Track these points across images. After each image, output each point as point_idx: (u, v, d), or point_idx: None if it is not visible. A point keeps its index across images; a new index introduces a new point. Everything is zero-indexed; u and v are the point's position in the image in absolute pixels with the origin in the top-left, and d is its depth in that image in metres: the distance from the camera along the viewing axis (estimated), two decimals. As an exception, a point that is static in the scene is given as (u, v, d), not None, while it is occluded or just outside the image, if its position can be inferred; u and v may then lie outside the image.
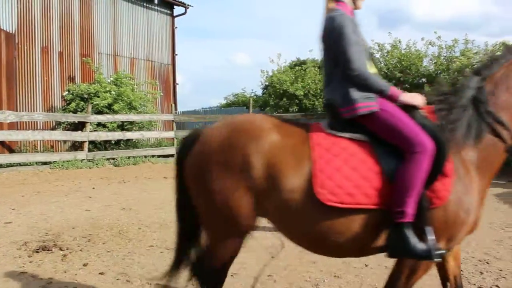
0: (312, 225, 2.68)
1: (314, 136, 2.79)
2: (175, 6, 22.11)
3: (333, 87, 2.93)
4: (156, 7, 21.17)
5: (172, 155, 17.13)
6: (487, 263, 4.97)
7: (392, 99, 2.86)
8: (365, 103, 2.79)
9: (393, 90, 2.88)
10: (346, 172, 2.64)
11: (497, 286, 4.28)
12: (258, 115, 3.10)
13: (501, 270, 4.71)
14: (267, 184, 2.67)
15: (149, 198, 9.30)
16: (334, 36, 2.86)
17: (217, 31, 66.76)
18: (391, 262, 4.87)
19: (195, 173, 2.83)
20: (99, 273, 4.68)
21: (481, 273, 4.64)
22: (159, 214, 7.68)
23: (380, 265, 4.86)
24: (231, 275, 4.60)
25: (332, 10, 2.96)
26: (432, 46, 15.96)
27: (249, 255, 5.25)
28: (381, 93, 2.85)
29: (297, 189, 2.64)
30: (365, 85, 2.81)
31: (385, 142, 2.74)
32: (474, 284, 4.32)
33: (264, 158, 2.67)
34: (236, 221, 2.81)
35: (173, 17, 22.25)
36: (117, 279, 4.52)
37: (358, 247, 2.73)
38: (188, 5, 22.00)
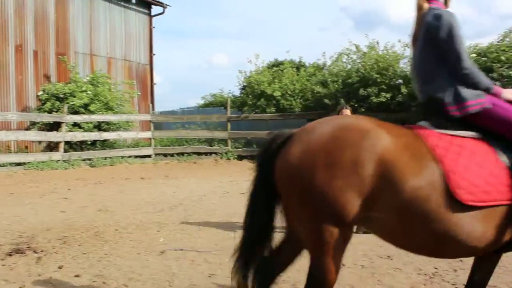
0: (442, 226, 2.57)
1: (426, 136, 2.72)
2: (153, 6, 21.95)
3: (438, 85, 2.91)
4: (133, 6, 21.00)
5: (149, 156, 17.03)
6: (461, 260, 5.04)
7: (496, 95, 2.88)
8: (477, 100, 2.81)
9: (496, 87, 2.91)
10: (475, 170, 2.59)
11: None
12: (355, 116, 3.02)
13: (474, 268, 4.79)
14: (380, 185, 2.53)
15: (126, 199, 9.21)
16: (443, 34, 2.86)
17: (195, 32, 66.81)
18: (367, 262, 4.93)
19: (293, 175, 2.62)
20: (75, 276, 4.61)
21: (455, 270, 4.71)
22: (136, 215, 7.62)
23: (356, 264, 4.90)
24: (209, 276, 4.59)
25: (429, 8, 2.98)
26: (409, 48, 16.13)
27: (226, 256, 5.24)
28: (487, 90, 2.87)
29: (423, 190, 2.53)
30: (474, 83, 2.84)
31: (499, 137, 2.75)
32: (448, 282, 4.38)
33: (377, 158, 2.54)
34: (343, 224, 2.62)
35: (150, 16, 22.08)
36: (93, 282, 4.46)
37: (486, 245, 2.67)
38: (166, 4, 21.87)
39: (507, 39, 13.76)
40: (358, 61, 16.76)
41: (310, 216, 2.62)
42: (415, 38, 3.11)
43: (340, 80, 16.57)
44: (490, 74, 13.11)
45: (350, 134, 2.60)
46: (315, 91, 17.42)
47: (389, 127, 2.73)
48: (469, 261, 4.91)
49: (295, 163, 2.63)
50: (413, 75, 3.23)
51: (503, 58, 12.82)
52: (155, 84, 22.42)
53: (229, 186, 11.27)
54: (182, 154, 17.28)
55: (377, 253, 5.30)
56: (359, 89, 15.62)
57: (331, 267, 2.69)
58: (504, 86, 12.16)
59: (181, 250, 5.51)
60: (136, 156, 16.66)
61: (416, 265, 4.87)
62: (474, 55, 13.45)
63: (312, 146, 2.62)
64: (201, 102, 26.32)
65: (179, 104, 59.58)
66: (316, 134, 2.69)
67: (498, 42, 13.86)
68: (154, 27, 22.18)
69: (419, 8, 3.05)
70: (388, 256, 5.17)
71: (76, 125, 15.57)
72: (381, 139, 2.59)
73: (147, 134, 17.90)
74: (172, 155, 17.30)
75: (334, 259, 2.67)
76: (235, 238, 6.06)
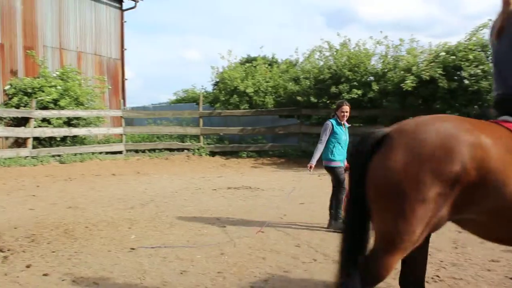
0: None
1: None
2: (124, 0, 21.63)
3: None
4: (104, 0, 20.65)
5: (120, 152, 16.83)
6: (429, 254, 5.13)
7: None
8: None
9: None
10: None
11: (437, 276, 4.44)
12: (448, 115, 2.93)
13: (441, 261, 4.90)
14: (484, 191, 2.52)
15: (97, 196, 9.09)
16: None
17: (168, 27, 66.20)
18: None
19: (396, 181, 2.56)
20: (43, 275, 4.53)
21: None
22: (107, 212, 7.53)
23: (328, 259, 4.95)
24: (180, 273, 4.57)
25: None
26: (380, 45, 16.35)
27: (198, 252, 5.24)
28: None
29: None
30: None
31: None
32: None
33: (482, 166, 2.51)
34: (434, 228, 2.68)
35: (122, 10, 21.75)
36: (63, 280, 4.39)
37: None
38: (137, -2, 21.56)
39: (474, 38, 14.06)
40: (330, 58, 16.88)
41: (408, 220, 2.57)
42: (500, 33, 3.08)
43: (312, 77, 16.67)
44: (458, 72, 13.41)
45: (456, 142, 2.56)
46: (287, 88, 17.49)
47: (485, 128, 2.68)
48: (437, 255, 5.02)
49: (398, 170, 2.58)
50: (495, 69, 3.22)
51: (471, 56, 13.11)
52: (126, 79, 22.13)
53: (201, 182, 11.24)
54: (154, 150, 17.14)
55: (348, 248, 5.35)
56: (331, 86, 15.74)
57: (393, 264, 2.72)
58: (472, 84, 12.47)
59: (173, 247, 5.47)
60: (107, 152, 16.42)
61: (386, 259, 4.94)
62: (443, 53, 13.70)
63: (418, 153, 2.57)
64: (173, 98, 26.04)
65: (151, 100, 58.94)
66: (420, 140, 2.61)
67: (466, 41, 14.15)
68: (125, 22, 21.86)
69: (508, 3, 3.04)
70: (359, 251, 5.23)
71: (45, 120, 15.24)
72: (487, 148, 2.56)
73: (118, 130, 17.66)
74: (143, 151, 17.14)
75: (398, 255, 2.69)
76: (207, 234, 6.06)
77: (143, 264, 4.85)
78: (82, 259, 5.04)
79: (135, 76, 52.48)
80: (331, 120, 6.71)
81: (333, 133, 6.57)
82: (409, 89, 13.43)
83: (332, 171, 6.60)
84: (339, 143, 6.60)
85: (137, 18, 56.04)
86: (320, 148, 6.59)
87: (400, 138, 2.68)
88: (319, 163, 6.68)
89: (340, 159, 6.58)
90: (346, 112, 6.67)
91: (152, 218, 7.11)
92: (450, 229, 6.32)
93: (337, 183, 6.54)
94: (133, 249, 5.38)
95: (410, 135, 2.66)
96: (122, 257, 5.10)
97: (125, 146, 17.17)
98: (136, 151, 17.23)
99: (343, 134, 6.66)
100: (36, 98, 15.05)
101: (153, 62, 59.35)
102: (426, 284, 4.17)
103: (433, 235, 5.90)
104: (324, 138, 6.57)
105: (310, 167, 6.64)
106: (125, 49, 21.87)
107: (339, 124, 6.66)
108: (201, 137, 17.62)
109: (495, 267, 4.72)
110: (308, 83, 16.51)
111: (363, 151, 2.79)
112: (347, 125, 6.79)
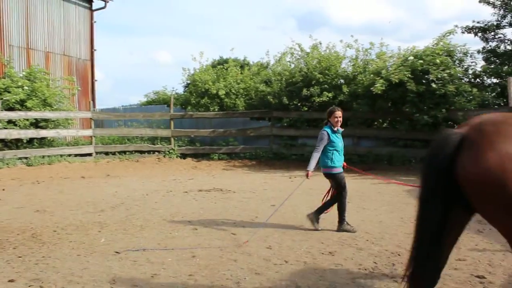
0: None
1: None
2: (94, 0, 21.32)
3: None
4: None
5: (90, 154, 16.57)
6: (399, 255, 5.24)
7: None
8: None
9: None
10: None
11: (407, 275, 4.50)
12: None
13: (411, 262, 4.98)
14: None
15: (66, 199, 8.93)
16: None
17: (139, 28, 65.49)
18: (309, 258, 5.01)
19: (496, 181, 2.60)
20: (9, 281, 4.41)
21: (393, 264, 4.88)
22: (76, 216, 7.40)
23: (299, 261, 4.98)
24: (151, 276, 4.52)
25: None
26: (350, 48, 16.56)
27: (169, 255, 5.20)
28: None
29: None
30: None
31: None
32: (387, 275, 4.53)
33: None
34: None
35: (91, 10, 21.44)
36: (29, 286, 4.29)
37: None
38: (107, -1, 21.29)
39: (441, 43, 14.38)
40: (301, 60, 17.00)
41: None
42: None
43: (283, 79, 16.76)
44: (426, 76, 13.69)
45: None
46: (258, 90, 17.53)
47: None
48: (407, 255, 5.10)
49: (496, 169, 2.61)
50: None
51: (438, 61, 13.40)
52: (96, 80, 21.84)
53: (172, 184, 11.16)
54: (124, 152, 16.94)
55: (319, 250, 5.40)
56: (302, 88, 15.85)
57: None
58: (439, 87, 12.74)
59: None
60: (76, 155, 16.15)
61: (357, 260, 5.00)
62: (412, 57, 13.96)
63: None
64: (144, 100, 25.80)
65: (121, 101, 58.13)
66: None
67: (433, 46, 14.45)
68: (95, 22, 21.58)
69: None
70: (330, 252, 5.29)
71: (11, 122, 14.86)
72: None
73: (88, 132, 17.39)
74: (114, 153, 16.92)
75: None
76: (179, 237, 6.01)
77: (113, 268, 4.78)
78: (50, 264, 4.93)
79: (105, 77, 51.87)
80: (325, 128, 6.69)
81: (330, 141, 6.61)
82: (379, 92, 13.64)
83: (333, 177, 6.69)
84: (337, 150, 6.68)
85: (107, 19, 55.39)
86: (316, 156, 6.61)
87: (487, 138, 2.74)
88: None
89: (339, 165, 6.70)
90: (340, 117, 6.70)
91: (123, 221, 7.03)
92: (418, 229, 6.45)
93: (339, 188, 6.65)
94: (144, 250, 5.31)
95: (497, 135, 2.72)
96: (92, 261, 5.02)
97: (95, 148, 16.92)
98: (106, 153, 16.99)
99: (339, 141, 6.75)
100: (1, 99, 14.67)
101: (123, 63, 58.71)
102: (394, 284, 4.26)
103: (402, 235, 6.04)
104: (321, 147, 6.60)
105: (307, 174, 6.69)
106: (95, 50, 21.59)
107: (333, 131, 6.69)
108: (172, 139, 17.50)
109: (462, 265, 4.83)
110: (280, 85, 16.59)
111: (445, 153, 2.84)
112: (340, 130, 6.81)
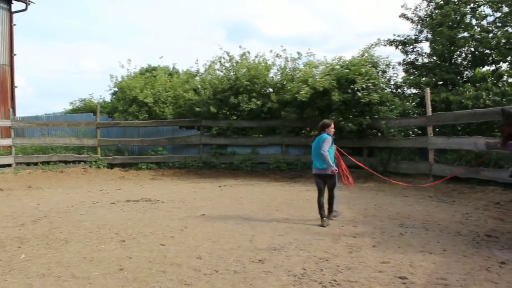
0: None
1: None
2: (13, 1, 20.29)
3: None
4: (-10, 1, 19.27)
5: (9, 165, 15.76)
6: (327, 260, 5.37)
7: None
8: None
9: None
10: None
11: (335, 280, 4.64)
12: None
13: (338, 266, 5.13)
14: None
15: (-18, 213, 8.41)
16: None
17: (63, 33, 62.66)
18: (239, 267, 5.03)
19: None
20: None
21: (321, 269, 4.99)
22: (-7, 231, 6.99)
23: (229, 270, 4.98)
24: (76, 292, 4.35)
25: None
26: (279, 58, 16.88)
27: (95, 269, 5.03)
28: None
29: None
30: None
31: None
32: (316, 281, 4.63)
33: None
34: None
35: (11, 12, 20.38)
36: None
37: None
38: (29, 1, 20.32)
39: (366, 54, 15.01)
40: (230, 69, 17.11)
41: None
42: None
43: (212, 88, 16.78)
44: (352, 86, 14.20)
45: None
46: (187, 98, 17.43)
47: None
48: (334, 261, 5.25)
49: None
50: None
51: (363, 70, 13.95)
52: (16, 87, 20.73)
53: (98, 195, 10.83)
54: (48, 162, 16.24)
55: (249, 258, 5.43)
56: (230, 96, 15.96)
57: None
58: (364, 95, 13.36)
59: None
60: (-6, 166, 15.29)
61: (286, 267, 5.08)
62: (338, 66, 14.44)
63: None
64: (70, 107, 24.82)
65: (45, 109, 55.63)
66: None
67: (358, 56, 15.05)
68: (15, 25, 20.53)
69: None
70: (260, 260, 5.33)
71: None
72: None
73: (7, 142, 16.52)
74: (36, 164, 16.17)
75: None
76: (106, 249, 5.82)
77: (34, 286, 4.55)
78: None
79: (27, 83, 49.34)
80: (328, 135, 7.75)
81: (331, 145, 7.75)
82: (304, 99, 13.98)
83: (331, 177, 7.68)
84: (332, 153, 7.79)
85: (29, 22, 52.91)
86: (327, 155, 7.53)
87: None
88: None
89: (334, 167, 7.71)
90: (333, 128, 8.06)
91: (45, 235, 6.72)
92: (345, 234, 6.66)
93: (332, 186, 7.80)
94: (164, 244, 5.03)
95: None
96: (10, 279, 4.75)
97: (15, 159, 16.09)
98: (28, 164, 16.21)
99: (334, 146, 7.97)
100: None
101: (46, 70, 56.25)
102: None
103: (330, 241, 6.21)
104: (327, 148, 7.55)
105: (334, 171, 7.62)
106: (15, 54, 20.54)
107: (332, 138, 7.83)
108: (99, 149, 17.03)
109: (386, 268, 5.03)
110: (208, 94, 16.60)
111: None
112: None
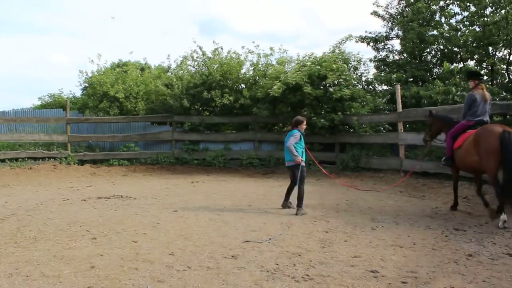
0: None
1: None
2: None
3: None
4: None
5: (-25, 162, 15.34)
6: (299, 255, 5.41)
7: None
8: None
9: None
10: None
11: (307, 275, 4.67)
12: None
13: (311, 261, 5.17)
14: None
15: None
16: None
17: (29, 26, 61.08)
18: (212, 263, 5.03)
19: None
20: None
21: (294, 264, 5.03)
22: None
23: (202, 266, 4.97)
24: (46, 291, 4.28)
25: None
26: (251, 54, 16.89)
27: (66, 267, 4.96)
28: None
29: None
30: None
31: None
32: (288, 276, 4.65)
33: None
34: None
35: (-25, 7, 19.86)
36: None
37: None
38: (-6, -6, 19.82)
39: (337, 51, 15.16)
40: (202, 64, 17.05)
41: None
42: None
43: (185, 83, 16.69)
44: (324, 83, 14.33)
45: None
46: (159, 93, 17.30)
47: None
48: (307, 256, 5.28)
49: None
50: None
51: (334, 66, 14.09)
52: (-19, 82, 20.22)
53: (69, 192, 10.66)
54: (16, 159, 15.86)
55: (222, 254, 5.43)
56: (203, 91, 15.91)
57: None
58: (335, 91, 13.52)
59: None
60: (-42, 163, 14.87)
61: (259, 262, 5.09)
62: (309, 63, 14.53)
63: None
64: (38, 103, 24.26)
65: (11, 104, 54.29)
66: None
67: (330, 53, 15.18)
68: (-20, 19, 20.00)
69: None
70: (233, 256, 5.33)
71: None
72: None
73: (-27, 138, 16.07)
74: (3, 160, 15.77)
75: None
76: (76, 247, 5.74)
77: (2, 286, 4.45)
78: None
79: (-8, 78, 47.97)
80: (297, 131, 8.38)
81: (300, 140, 8.33)
82: (277, 94, 14.04)
83: (299, 169, 8.21)
84: (302, 148, 8.39)
85: (-6, 15, 51.37)
86: (292, 148, 8.21)
87: None
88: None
89: (304, 159, 8.35)
90: (305, 125, 8.64)
91: (13, 233, 6.58)
92: (318, 230, 6.72)
93: (301, 178, 8.25)
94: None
95: None
96: (-22, 278, 4.64)
97: None
98: (-6, 160, 15.81)
99: (303, 142, 8.50)
100: None
101: (12, 64, 54.81)
102: (296, 283, 4.40)
103: (302, 236, 6.25)
104: (293, 142, 8.22)
105: (300, 160, 8.24)
106: (-20, 50, 19.98)
107: (302, 134, 8.43)
108: (69, 145, 16.75)
109: (358, 262, 5.10)
110: (181, 89, 16.51)
111: None
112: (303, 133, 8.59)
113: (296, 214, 7.95)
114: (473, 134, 7.47)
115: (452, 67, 13.77)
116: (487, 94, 8.01)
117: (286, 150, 8.39)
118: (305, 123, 8.58)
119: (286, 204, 8.60)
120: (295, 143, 8.26)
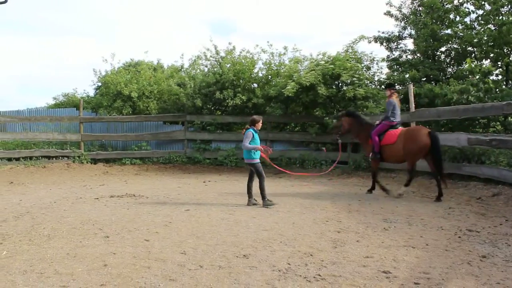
0: None
1: None
2: (-7, -5, 19.96)
3: None
4: (-30, -5, 18.92)
5: (-9, 160, 15.52)
6: (311, 255, 5.40)
7: None
8: None
9: None
10: None
11: (319, 275, 4.66)
12: None
13: (322, 261, 5.15)
14: None
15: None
16: None
17: (45, 27, 61.68)
18: (224, 262, 5.03)
19: None
20: None
21: (306, 264, 5.01)
22: (-26, 227, 6.89)
23: (214, 265, 4.98)
24: (61, 287, 4.32)
25: None
26: (265, 53, 16.90)
27: (79, 265, 4.99)
28: None
29: None
30: None
31: None
32: (300, 275, 4.64)
33: None
34: None
35: (-9, 7, 20.07)
36: None
37: None
38: (9, -6, 19.99)
39: (350, 50, 15.10)
40: (216, 63, 17.09)
41: None
42: None
43: (197, 82, 16.74)
44: (336, 82, 14.29)
45: None
46: (172, 93, 17.36)
47: None
48: (319, 255, 5.27)
49: None
50: None
51: (348, 65, 14.05)
52: (-3, 81, 20.46)
53: (82, 191, 10.74)
54: (30, 158, 16.04)
55: (234, 253, 5.44)
56: (216, 91, 15.93)
57: None
58: (349, 90, 13.51)
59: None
60: (-25, 161, 15.06)
61: (271, 262, 5.09)
62: (323, 62, 14.50)
63: None
64: (53, 102, 24.50)
65: (26, 104, 54.81)
66: None
67: (343, 52, 15.13)
68: (-5, 20, 20.24)
69: None
70: (244, 255, 5.33)
71: None
72: None
73: (-12, 137, 16.27)
74: (18, 159, 15.96)
75: None
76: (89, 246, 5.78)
77: (17, 282, 4.49)
78: None
79: (8, 77, 48.55)
80: (251, 129, 8.96)
81: (253, 139, 8.90)
82: (290, 94, 14.02)
83: (254, 166, 8.94)
84: (255, 144, 8.93)
85: (9, 15, 51.96)
86: (250, 146, 8.87)
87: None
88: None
89: (258, 157, 9.01)
90: (261, 124, 9.22)
91: (28, 231, 6.65)
92: (330, 229, 6.70)
93: (259, 174, 8.87)
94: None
95: None
96: (-7, 275, 4.69)
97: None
98: (9, 159, 15.99)
99: (258, 139, 9.10)
100: None
101: (28, 64, 55.37)
102: (307, 283, 4.39)
103: (314, 236, 6.24)
104: (247, 142, 8.84)
105: (268, 150, 9.64)
106: (-4, 49, 20.22)
107: (256, 132, 9.02)
108: (82, 144, 16.88)
109: (370, 262, 5.07)
110: (193, 88, 16.56)
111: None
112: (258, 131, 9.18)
113: (264, 206, 8.66)
114: (404, 134, 9.70)
115: (473, 66, 13.58)
116: (399, 101, 10.40)
117: (244, 150, 9.07)
118: (260, 122, 9.18)
119: (251, 202, 8.98)
120: (250, 142, 8.86)
